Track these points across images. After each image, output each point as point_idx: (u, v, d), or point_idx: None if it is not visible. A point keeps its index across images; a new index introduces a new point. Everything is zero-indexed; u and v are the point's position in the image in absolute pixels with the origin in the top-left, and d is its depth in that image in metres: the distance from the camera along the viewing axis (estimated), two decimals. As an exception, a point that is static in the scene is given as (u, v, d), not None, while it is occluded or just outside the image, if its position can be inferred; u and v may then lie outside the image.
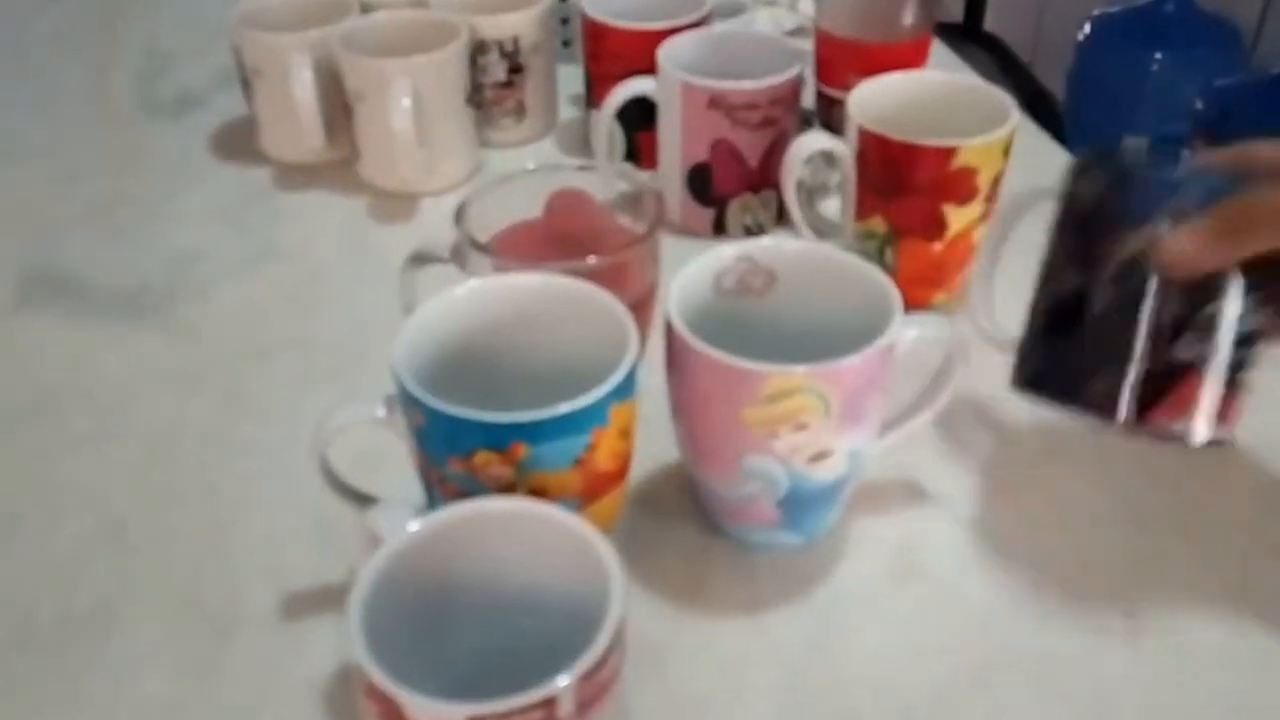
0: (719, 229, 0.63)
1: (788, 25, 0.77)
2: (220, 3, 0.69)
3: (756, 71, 0.58)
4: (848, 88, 0.55)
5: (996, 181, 0.53)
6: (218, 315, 0.58)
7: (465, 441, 0.36)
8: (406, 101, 0.61)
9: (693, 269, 0.42)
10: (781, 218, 0.62)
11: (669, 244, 0.48)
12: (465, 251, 0.46)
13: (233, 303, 0.59)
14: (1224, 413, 0.39)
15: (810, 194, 0.65)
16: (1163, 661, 0.39)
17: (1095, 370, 0.39)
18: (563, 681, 0.28)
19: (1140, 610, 0.41)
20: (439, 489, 0.38)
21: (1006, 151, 0.52)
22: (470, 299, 0.42)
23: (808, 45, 0.65)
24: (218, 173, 0.71)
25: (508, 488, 0.37)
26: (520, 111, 0.71)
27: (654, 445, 0.44)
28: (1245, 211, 0.36)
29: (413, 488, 0.41)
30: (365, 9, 0.68)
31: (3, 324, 0.58)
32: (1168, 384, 0.38)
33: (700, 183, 0.61)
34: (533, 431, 0.36)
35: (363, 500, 0.41)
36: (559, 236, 0.49)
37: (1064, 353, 0.40)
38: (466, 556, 0.34)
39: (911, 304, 0.40)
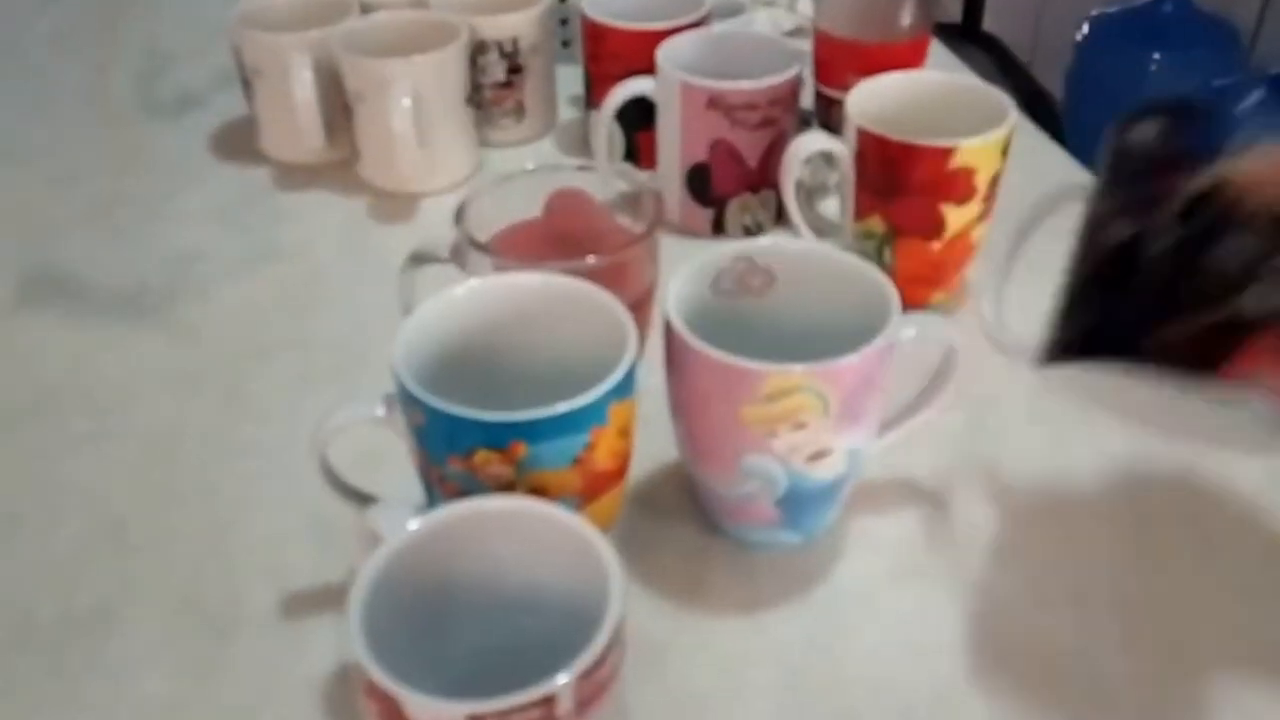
0: (718, 229, 0.63)
1: (786, 25, 0.77)
2: (220, 3, 0.69)
3: (755, 72, 0.58)
4: (846, 88, 0.55)
5: (995, 181, 0.53)
6: (217, 315, 0.58)
7: (465, 440, 0.36)
8: (406, 102, 0.61)
9: (692, 269, 0.42)
10: (780, 218, 0.62)
11: (668, 244, 0.48)
12: (465, 251, 0.46)
13: (232, 303, 0.59)
14: None
15: (809, 194, 0.65)
16: (1162, 661, 0.39)
17: (1153, 320, 0.35)
18: (562, 680, 0.28)
19: (1140, 610, 0.41)
20: (439, 488, 0.38)
21: (1005, 151, 0.53)
22: (470, 298, 0.42)
23: (806, 46, 0.65)
24: (218, 173, 0.71)
25: (507, 487, 0.37)
26: (520, 112, 0.71)
27: (653, 445, 0.44)
28: None
29: (412, 487, 0.41)
30: (365, 9, 0.68)
31: (3, 324, 0.58)
32: (1233, 339, 0.34)
33: (699, 183, 0.61)
34: (532, 430, 0.36)
35: (362, 499, 0.41)
36: (558, 236, 0.49)
37: (1117, 305, 0.37)
38: (466, 555, 0.34)
39: (910, 303, 0.41)
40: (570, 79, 0.73)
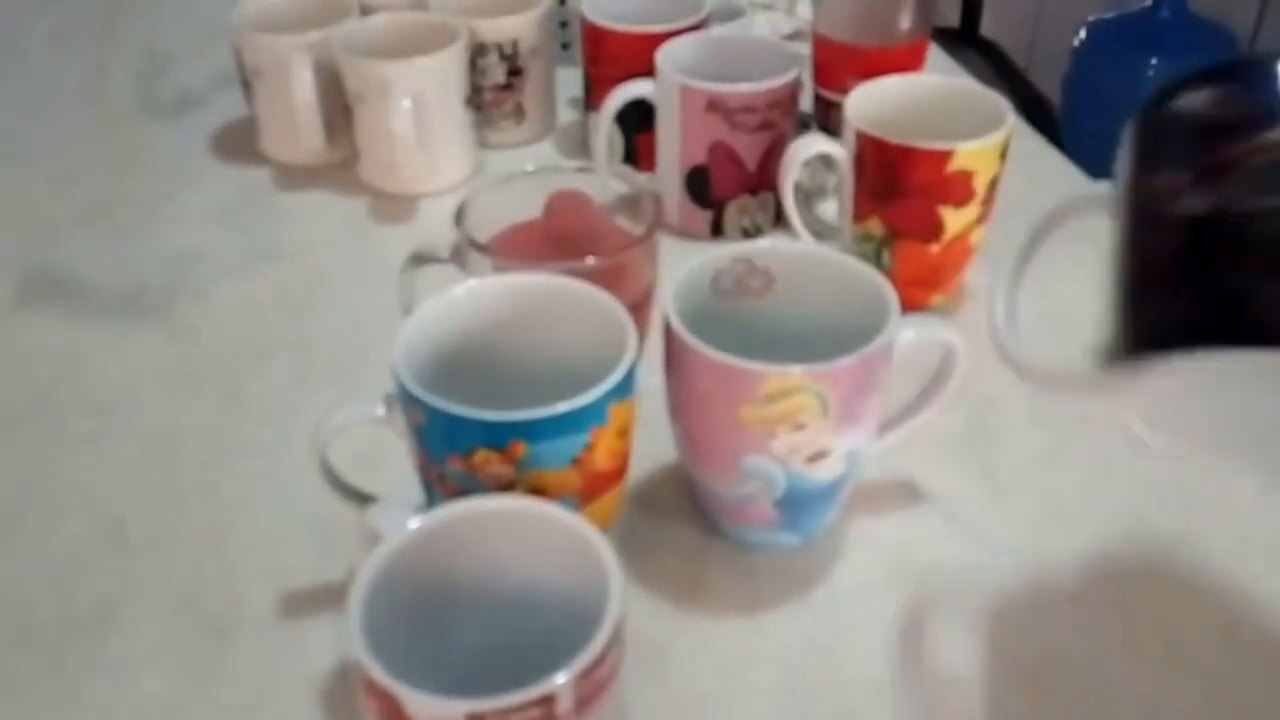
0: (717, 231, 0.63)
1: (785, 29, 0.77)
2: (220, 3, 0.69)
3: (754, 75, 0.59)
4: (845, 91, 0.56)
5: (993, 184, 0.53)
6: (217, 315, 0.58)
7: (465, 440, 0.36)
8: (406, 103, 0.62)
9: (691, 270, 0.42)
10: (779, 220, 0.62)
11: (667, 246, 0.48)
12: (465, 252, 0.46)
13: (232, 303, 0.59)
14: None
15: (808, 196, 0.66)
16: (1161, 662, 0.40)
17: (1264, 280, 0.30)
18: (561, 679, 0.28)
19: (1140, 610, 0.41)
20: (438, 487, 0.39)
21: (1003, 154, 0.53)
22: (470, 299, 0.42)
23: (805, 49, 0.66)
24: (218, 173, 0.71)
25: (507, 486, 0.37)
26: (519, 113, 0.71)
27: (652, 445, 0.44)
28: None
29: (412, 487, 0.41)
30: (365, 11, 0.69)
31: (2, 324, 0.58)
32: None
33: (698, 185, 0.62)
34: (532, 430, 0.36)
35: (362, 499, 0.41)
36: (558, 237, 0.49)
37: (1210, 284, 0.31)
38: (466, 555, 0.34)
39: (908, 306, 0.41)
40: (570, 81, 0.73)
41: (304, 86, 0.64)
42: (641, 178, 0.66)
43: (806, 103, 0.65)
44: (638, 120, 0.63)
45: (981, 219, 0.54)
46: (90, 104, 0.80)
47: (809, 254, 0.45)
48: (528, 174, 0.52)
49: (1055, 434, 0.49)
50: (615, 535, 0.38)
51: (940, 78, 0.59)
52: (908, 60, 0.62)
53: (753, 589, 0.42)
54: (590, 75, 0.68)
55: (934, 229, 0.53)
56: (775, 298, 0.44)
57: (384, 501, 0.38)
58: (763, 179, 0.61)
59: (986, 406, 0.50)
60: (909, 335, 0.41)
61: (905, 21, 0.62)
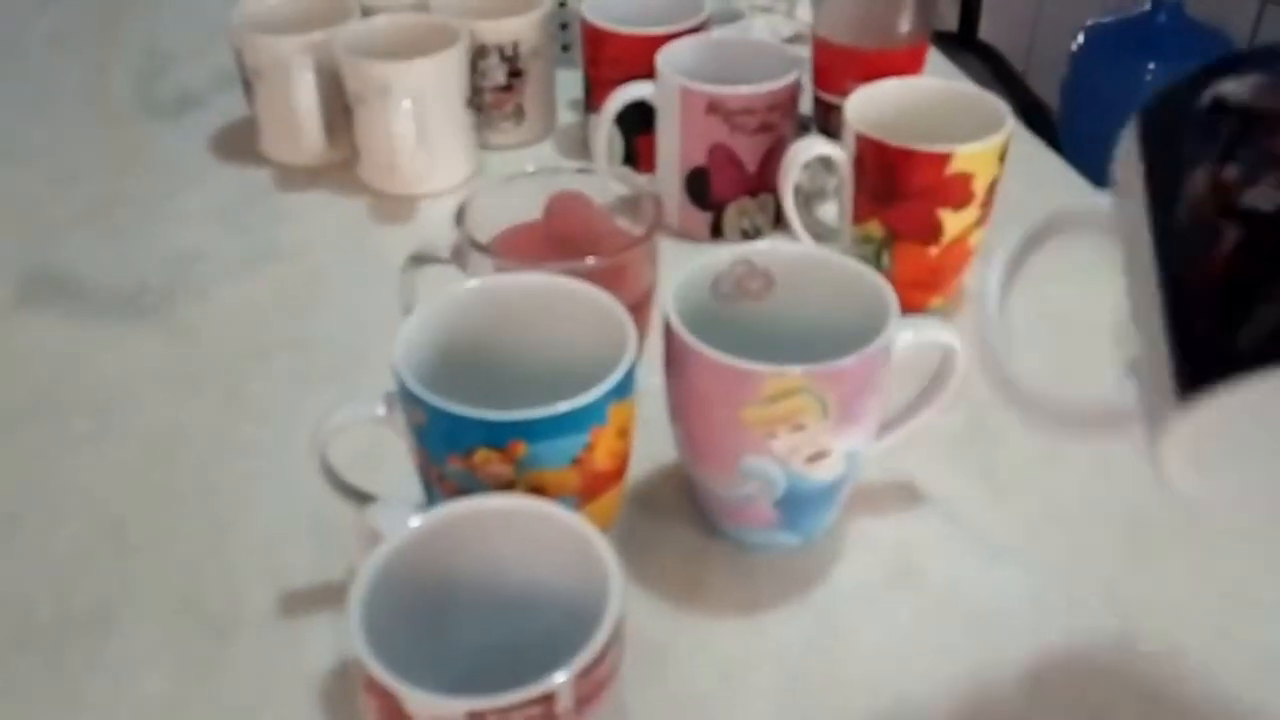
0: (716, 232, 0.63)
1: (785, 32, 0.77)
2: (220, 3, 0.69)
3: (754, 77, 0.59)
4: (845, 93, 0.56)
5: (992, 187, 0.53)
6: (217, 315, 0.58)
7: (465, 439, 0.36)
8: (407, 104, 0.62)
9: (691, 272, 0.42)
10: (779, 222, 0.62)
11: (667, 247, 0.48)
12: (465, 252, 0.46)
13: (232, 303, 0.59)
14: None
15: (807, 198, 0.66)
16: (1160, 662, 0.40)
17: None
18: (560, 678, 0.28)
19: (1139, 611, 0.42)
20: (438, 487, 0.39)
21: (1002, 157, 0.53)
22: (470, 299, 0.42)
23: (805, 52, 0.66)
24: (218, 173, 0.71)
25: (507, 486, 0.37)
26: (519, 115, 0.71)
27: (652, 446, 0.44)
28: None
29: (412, 486, 0.41)
30: (366, 12, 0.69)
31: (2, 324, 0.58)
32: None
33: (698, 187, 0.62)
34: (532, 430, 0.36)
35: (362, 498, 0.41)
36: (558, 238, 0.49)
37: None
38: (466, 554, 0.34)
39: (908, 308, 0.41)
40: (570, 83, 0.73)
41: (305, 87, 0.64)
42: (641, 179, 0.66)
43: (806, 105, 0.65)
44: (638, 122, 0.63)
45: (980, 222, 0.54)
46: (90, 104, 0.80)
47: (809, 256, 0.45)
48: (528, 175, 0.52)
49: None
50: (615, 535, 0.38)
51: (940, 81, 0.59)
52: (907, 63, 0.62)
53: (752, 589, 0.43)
54: (590, 77, 0.68)
55: (933, 231, 0.53)
56: (775, 299, 0.44)
57: (384, 501, 0.38)
58: (762, 181, 0.61)
59: (986, 407, 0.50)
60: (908, 337, 0.41)
61: (905, 24, 0.63)
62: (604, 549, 0.32)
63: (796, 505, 0.41)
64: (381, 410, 0.39)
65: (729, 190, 0.62)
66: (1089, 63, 1.54)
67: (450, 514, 0.34)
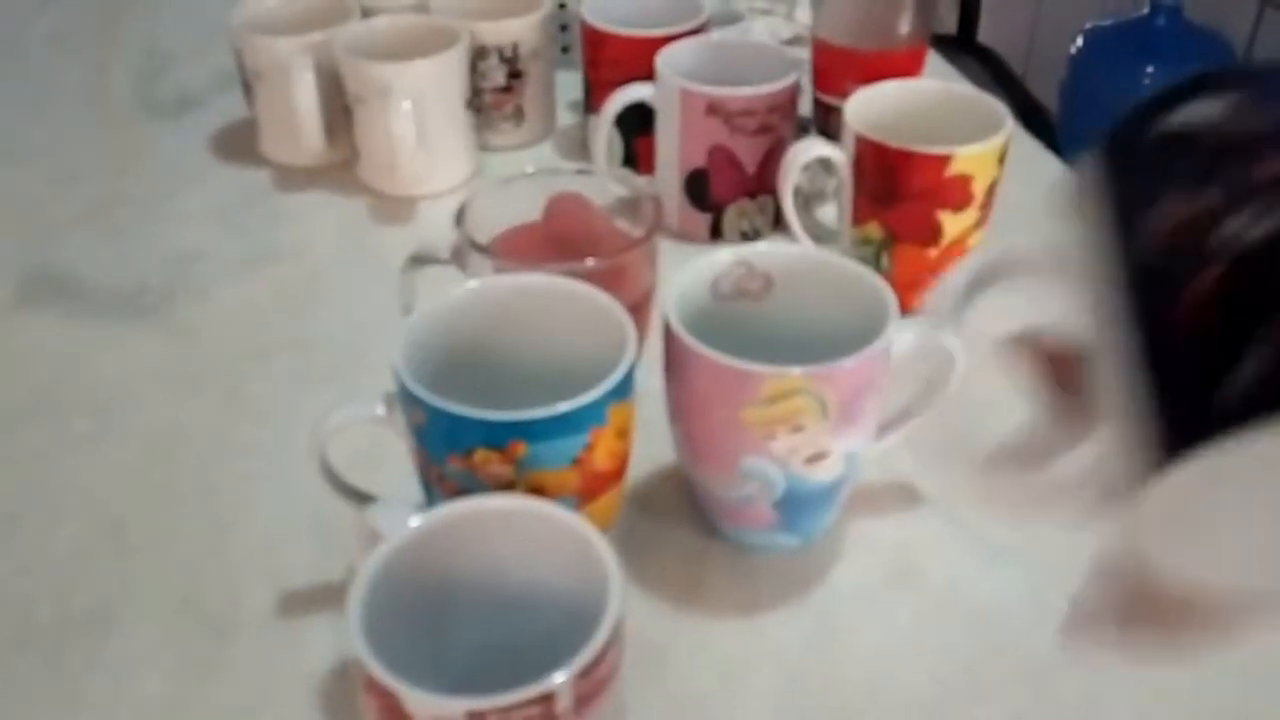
0: (716, 234, 0.63)
1: (785, 34, 0.78)
2: (220, 3, 0.69)
3: (754, 79, 0.59)
4: (844, 95, 0.56)
5: (992, 189, 0.53)
6: (217, 316, 0.58)
7: (465, 440, 0.36)
8: (407, 105, 0.62)
9: (690, 273, 0.43)
10: (778, 223, 0.62)
11: (666, 249, 0.49)
12: (465, 253, 0.46)
13: (232, 303, 0.59)
14: None
15: (807, 200, 0.66)
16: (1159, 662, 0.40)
17: None
18: (560, 678, 0.29)
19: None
20: (438, 487, 0.39)
21: (1001, 159, 0.53)
22: (470, 299, 0.42)
23: (805, 53, 0.66)
24: (217, 174, 0.71)
25: (506, 486, 0.37)
26: (519, 116, 0.72)
27: (652, 447, 0.44)
28: None
29: (412, 486, 0.41)
30: (366, 13, 0.69)
31: (2, 324, 0.58)
32: None
33: (698, 188, 0.62)
34: (532, 430, 0.36)
35: (362, 499, 0.41)
36: (558, 239, 0.49)
37: None
38: (466, 554, 0.34)
39: (907, 310, 0.41)
40: (569, 84, 0.73)
41: (304, 88, 0.64)
42: (641, 180, 0.66)
43: (806, 107, 0.65)
44: (637, 123, 0.63)
45: (980, 223, 0.54)
46: (90, 104, 0.80)
47: (808, 257, 0.45)
48: (528, 176, 0.52)
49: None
50: (614, 536, 0.38)
51: (939, 82, 0.59)
52: (907, 65, 0.63)
53: (752, 590, 0.43)
54: (590, 78, 0.68)
55: (933, 233, 0.54)
56: (774, 300, 0.44)
57: (384, 501, 0.38)
58: (762, 182, 0.61)
59: (985, 408, 0.51)
60: (908, 338, 0.41)
61: (904, 26, 0.63)
62: (604, 549, 0.32)
63: (796, 506, 0.41)
64: (381, 410, 0.39)
65: (728, 192, 0.62)
66: (1088, 65, 1.54)
67: (450, 514, 0.34)
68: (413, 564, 0.33)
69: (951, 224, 0.53)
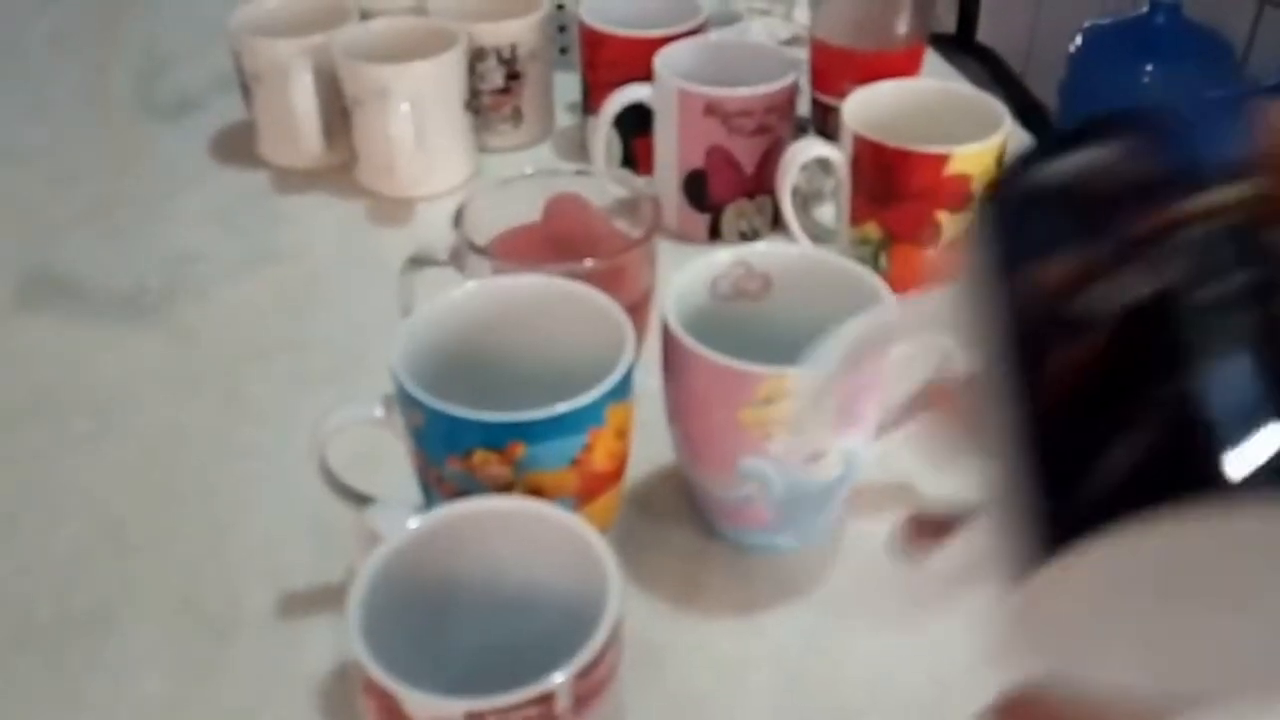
0: (714, 234, 0.63)
1: (783, 34, 0.78)
2: (219, 4, 0.69)
3: (752, 79, 0.59)
4: (843, 95, 0.56)
5: (990, 189, 0.54)
6: (216, 317, 0.58)
7: (464, 441, 0.36)
8: (405, 107, 0.62)
9: (689, 273, 0.43)
10: (777, 223, 0.62)
11: (665, 249, 0.49)
12: (464, 254, 0.46)
13: (231, 304, 0.59)
14: None
15: (805, 200, 0.66)
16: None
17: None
18: (559, 678, 0.29)
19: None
20: (437, 489, 0.39)
21: (1000, 158, 0.53)
22: (468, 300, 0.42)
23: (803, 54, 0.66)
24: (216, 175, 0.71)
25: (505, 487, 0.37)
26: (517, 117, 0.72)
27: (650, 448, 0.44)
28: None
29: (410, 488, 0.41)
30: (365, 15, 0.69)
31: (2, 324, 0.58)
32: None
33: (696, 189, 0.62)
34: (530, 431, 0.36)
35: (361, 500, 0.42)
36: (556, 240, 0.50)
37: (1176, 395, 0.19)
38: (465, 555, 0.34)
39: (905, 308, 0.41)
40: (568, 85, 0.73)
41: (303, 90, 0.64)
42: (640, 181, 0.66)
43: (804, 107, 0.65)
44: (636, 124, 0.63)
45: (978, 223, 0.54)
46: (90, 105, 0.80)
47: (806, 257, 0.45)
48: (526, 177, 0.52)
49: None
50: (613, 536, 0.38)
51: (937, 82, 0.60)
52: (905, 65, 0.63)
53: (750, 590, 0.43)
54: (588, 79, 0.68)
55: (931, 233, 0.54)
56: (773, 301, 0.44)
57: (383, 502, 0.38)
58: (760, 183, 0.61)
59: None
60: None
61: (902, 26, 0.63)
62: (602, 550, 0.32)
63: (794, 506, 0.42)
64: (380, 412, 0.39)
65: (727, 192, 0.62)
66: (1087, 64, 1.54)
67: (449, 515, 0.34)
68: (412, 565, 0.33)
69: (950, 224, 0.53)
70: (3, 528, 0.46)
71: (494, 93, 0.70)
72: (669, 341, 0.40)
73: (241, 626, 0.41)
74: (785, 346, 0.41)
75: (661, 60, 0.60)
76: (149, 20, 0.92)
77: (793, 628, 0.41)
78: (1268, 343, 0.18)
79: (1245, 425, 0.18)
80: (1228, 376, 0.18)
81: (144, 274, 0.61)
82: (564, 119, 0.76)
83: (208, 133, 0.75)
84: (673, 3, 0.66)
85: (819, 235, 0.62)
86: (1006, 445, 0.20)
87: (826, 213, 0.66)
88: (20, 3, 0.96)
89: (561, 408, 0.36)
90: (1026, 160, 0.24)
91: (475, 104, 0.68)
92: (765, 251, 0.44)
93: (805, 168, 0.58)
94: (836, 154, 0.55)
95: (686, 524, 0.45)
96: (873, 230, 0.55)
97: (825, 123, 0.65)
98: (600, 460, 0.38)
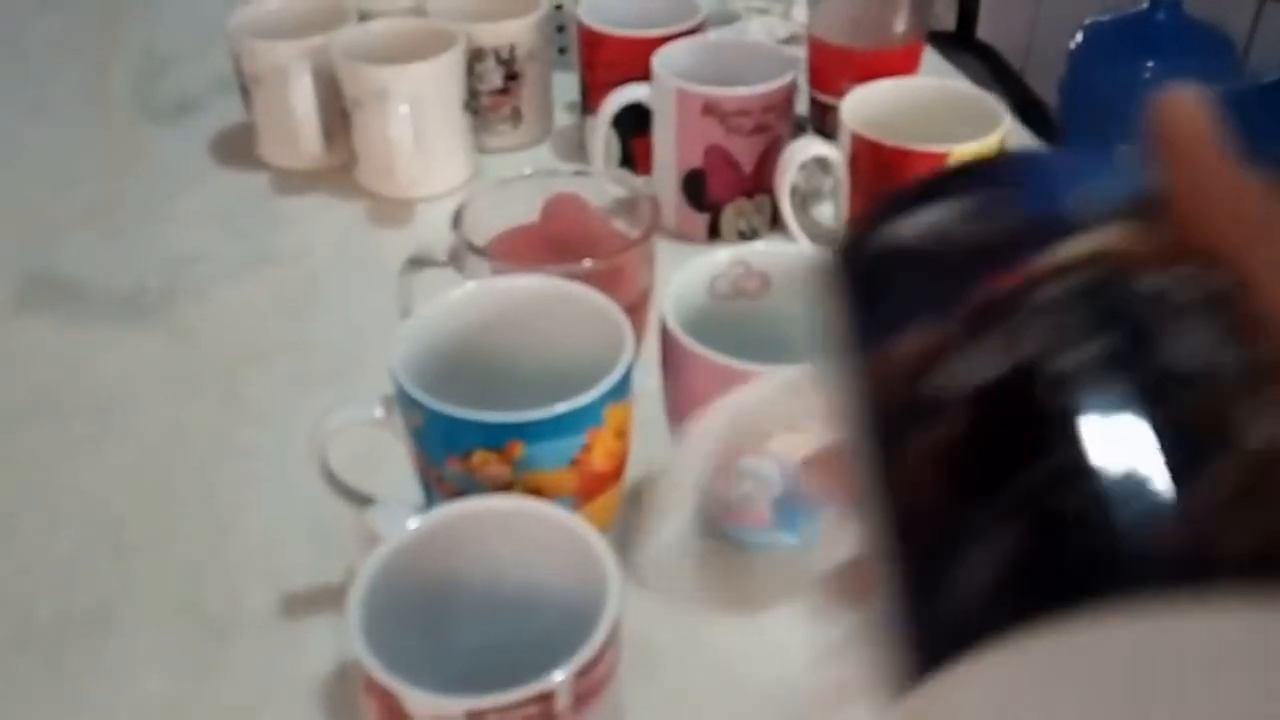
0: (713, 234, 0.63)
1: (781, 33, 0.78)
2: (219, 5, 0.69)
3: (750, 78, 0.59)
4: (841, 94, 0.56)
5: (988, 187, 0.54)
6: (216, 318, 0.58)
7: (463, 441, 0.36)
8: (404, 108, 0.62)
9: (688, 273, 0.43)
10: (775, 223, 0.62)
11: (664, 249, 0.49)
12: (463, 255, 0.46)
13: (231, 305, 0.59)
14: None
15: (804, 199, 0.66)
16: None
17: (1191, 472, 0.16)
18: (559, 676, 0.29)
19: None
20: (437, 488, 0.39)
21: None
22: (467, 301, 0.42)
23: (801, 52, 0.66)
24: (216, 176, 0.71)
25: (505, 487, 0.37)
26: (516, 118, 0.72)
27: (650, 448, 0.44)
28: None
29: (410, 488, 0.41)
30: (363, 17, 0.69)
31: (2, 325, 0.58)
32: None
33: (695, 188, 0.62)
34: (530, 431, 0.36)
35: (361, 500, 0.42)
36: (555, 241, 0.50)
37: (1048, 489, 0.16)
38: (465, 554, 0.34)
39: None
40: (567, 85, 0.73)
41: (302, 92, 0.64)
42: (638, 181, 0.66)
43: (802, 106, 0.65)
44: (634, 124, 0.63)
45: (976, 222, 0.54)
46: (89, 106, 0.80)
47: (805, 256, 0.45)
48: (525, 177, 0.52)
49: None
50: (613, 536, 0.38)
51: (936, 80, 0.60)
52: (903, 63, 0.63)
53: (750, 590, 0.43)
54: (587, 79, 0.68)
55: (929, 232, 0.54)
56: (771, 300, 0.44)
57: (383, 502, 0.38)
58: (759, 182, 0.61)
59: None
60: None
61: (900, 24, 0.63)
62: (602, 550, 0.32)
63: (794, 505, 0.42)
64: (380, 412, 0.39)
65: (726, 191, 0.62)
66: (1087, 61, 1.54)
67: (449, 515, 0.34)
68: (412, 565, 0.33)
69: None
70: (3, 528, 0.46)
71: (493, 93, 0.70)
72: (668, 341, 0.40)
73: (242, 627, 0.41)
74: (784, 346, 0.41)
75: (660, 60, 0.60)
76: (149, 21, 0.92)
77: (792, 628, 0.41)
78: (1142, 408, 0.16)
79: (1109, 514, 0.15)
80: (1095, 456, 0.15)
81: (144, 274, 0.62)
82: (563, 119, 0.76)
83: (208, 134, 0.75)
84: (671, 2, 0.66)
85: (818, 234, 0.62)
86: (873, 547, 0.18)
87: (825, 212, 0.66)
88: (20, 3, 0.96)
89: (560, 408, 0.36)
90: (877, 219, 0.21)
91: (474, 105, 0.68)
92: (764, 251, 0.45)
93: (804, 167, 0.58)
94: (835, 153, 0.55)
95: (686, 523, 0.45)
96: (871, 229, 0.55)
97: (824, 122, 0.65)
98: (599, 460, 0.38)
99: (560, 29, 0.78)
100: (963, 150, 0.51)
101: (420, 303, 0.42)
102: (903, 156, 0.52)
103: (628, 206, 0.50)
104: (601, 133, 0.63)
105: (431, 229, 0.63)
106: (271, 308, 0.59)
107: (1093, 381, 0.16)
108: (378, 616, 0.31)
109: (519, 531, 0.34)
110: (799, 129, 0.65)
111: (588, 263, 0.44)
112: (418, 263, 0.48)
